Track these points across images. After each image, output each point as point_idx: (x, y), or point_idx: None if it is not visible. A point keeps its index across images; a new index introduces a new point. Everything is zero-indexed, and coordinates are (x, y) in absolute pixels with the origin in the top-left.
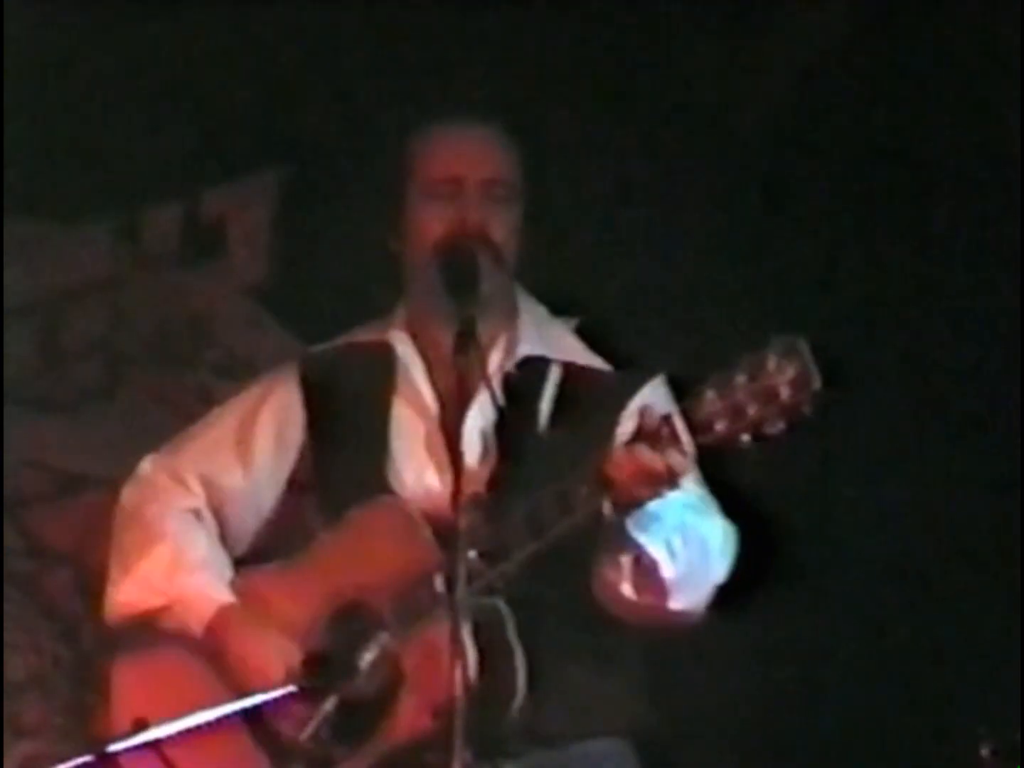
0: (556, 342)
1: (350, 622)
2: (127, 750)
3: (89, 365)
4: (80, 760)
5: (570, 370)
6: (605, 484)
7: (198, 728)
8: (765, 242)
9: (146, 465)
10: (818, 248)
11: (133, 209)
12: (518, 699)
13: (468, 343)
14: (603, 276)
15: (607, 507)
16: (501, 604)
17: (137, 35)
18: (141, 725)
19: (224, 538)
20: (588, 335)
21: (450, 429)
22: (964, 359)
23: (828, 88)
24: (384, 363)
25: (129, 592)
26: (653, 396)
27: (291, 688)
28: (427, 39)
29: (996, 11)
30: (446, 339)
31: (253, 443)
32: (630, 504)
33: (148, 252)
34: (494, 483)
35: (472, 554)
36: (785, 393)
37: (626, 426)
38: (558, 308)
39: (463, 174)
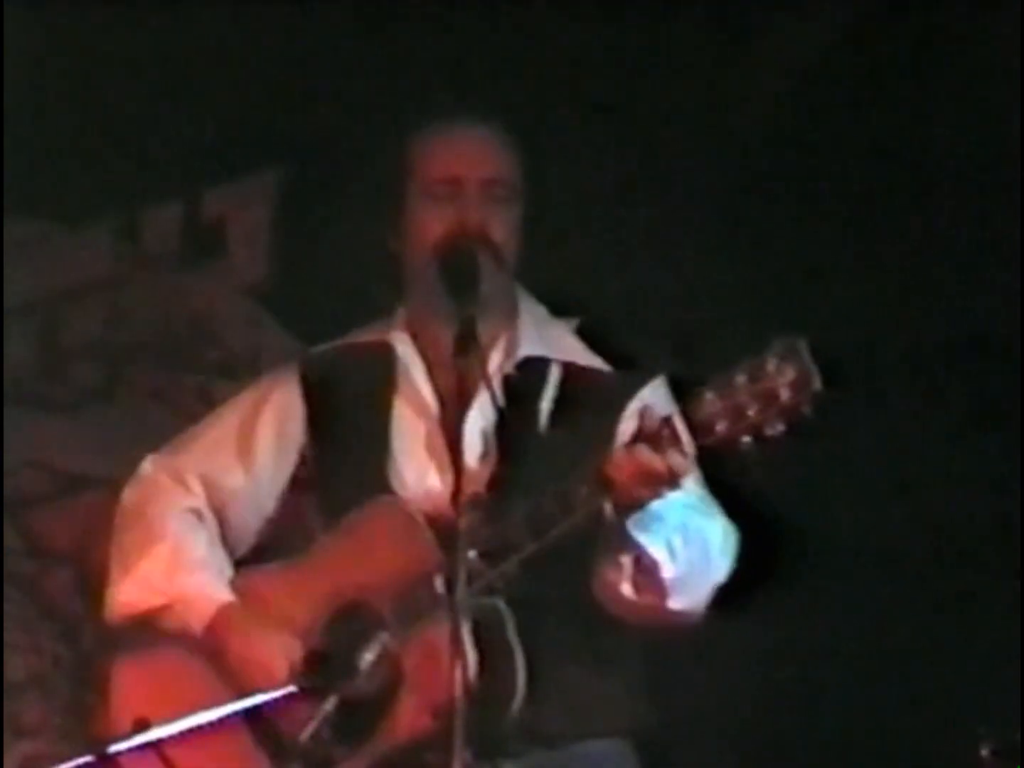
0: (556, 342)
1: (350, 622)
2: (127, 750)
3: (89, 365)
4: (80, 760)
5: (570, 370)
6: (605, 484)
7: (198, 728)
8: (765, 242)
9: (147, 465)
10: (818, 248)
11: (133, 209)
12: (518, 699)
13: (468, 343)
14: (603, 276)
15: (607, 507)
16: (501, 604)
17: (137, 35)
18: (141, 725)
19: (225, 538)
20: (588, 335)
21: (450, 429)
22: (964, 358)
23: (828, 88)
24: (384, 363)
25: (129, 591)
26: (653, 396)
27: (291, 688)
28: (427, 39)
29: (996, 11)
30: (446, 339)
31: (254, 443)
32: (631, 504)
33: (148, 252)
34: (494, 483)
35: (472, 554)
36: (785, 394)
37: (626, 426)
38: (558, 308)
39: (463, 174)
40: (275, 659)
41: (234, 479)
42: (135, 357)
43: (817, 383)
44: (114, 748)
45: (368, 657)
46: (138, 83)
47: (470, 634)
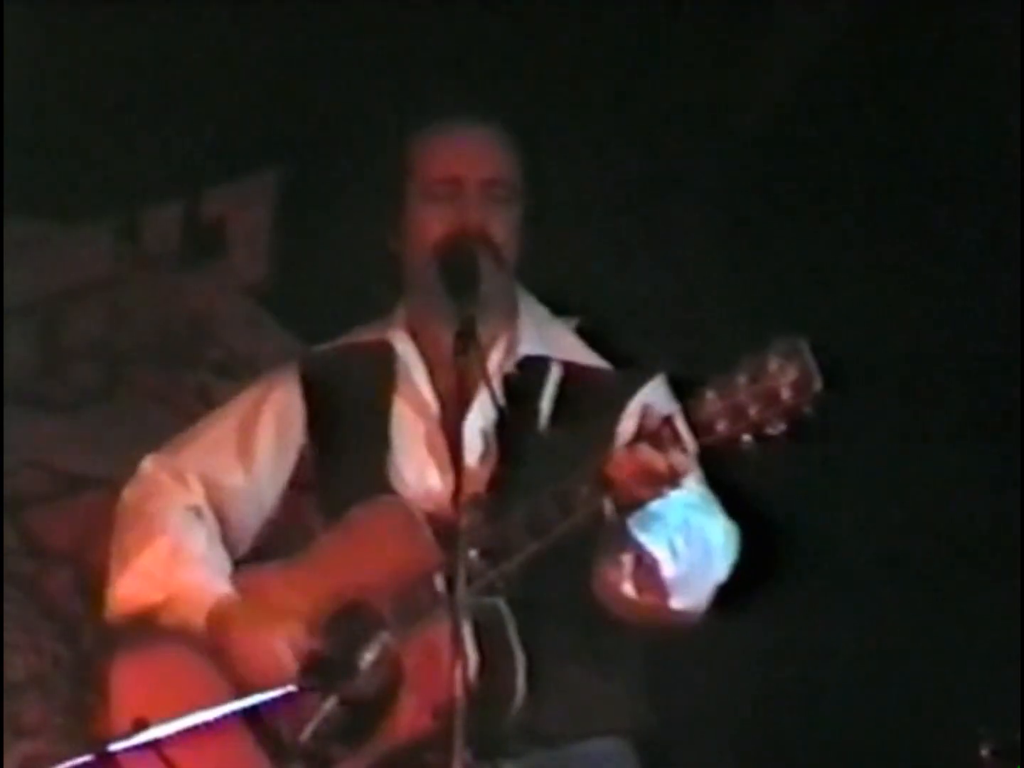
0: (556, 341)
1: (350, 622)
2: (127, 750)
3: (89, 365)
4: (80, 760)
5: (570, 369)
6: (606, 483)
7: (198, 728)
8: (765, 242)
9: (147, 464)
10: (818, 248)
11: (133, 209)
12: (518, 699)
13: (468, 343)
14: (603, 276)
15: (608, 507)
16: (501, 604)
17: (137, 35)
18: (141, 725)
19: (225, 538)
20: (588, 335)
21: (450, 429)
22: (964, 359)
23: (828, 88)
24: (384, 363)
25: (129, 586)
26: (653, 395)
27: (291, 688)
28: (427, 39)
29: (996, 11)
30: (446, 339)
31: (254, 443)
32: (632, 504)
33: (148, 252)
34: (495, 483)
35: (473, 554)
36: (786, 394)
37: (626, 425)
38: (558, 308)
39: (463, 174)
40: (276, 651)
41: (234, 479)
42: (135, 357)
43: (819, 384)
44: (114, 748)
45: (368, 657)
46: (138, 83)
47: (470, 634)
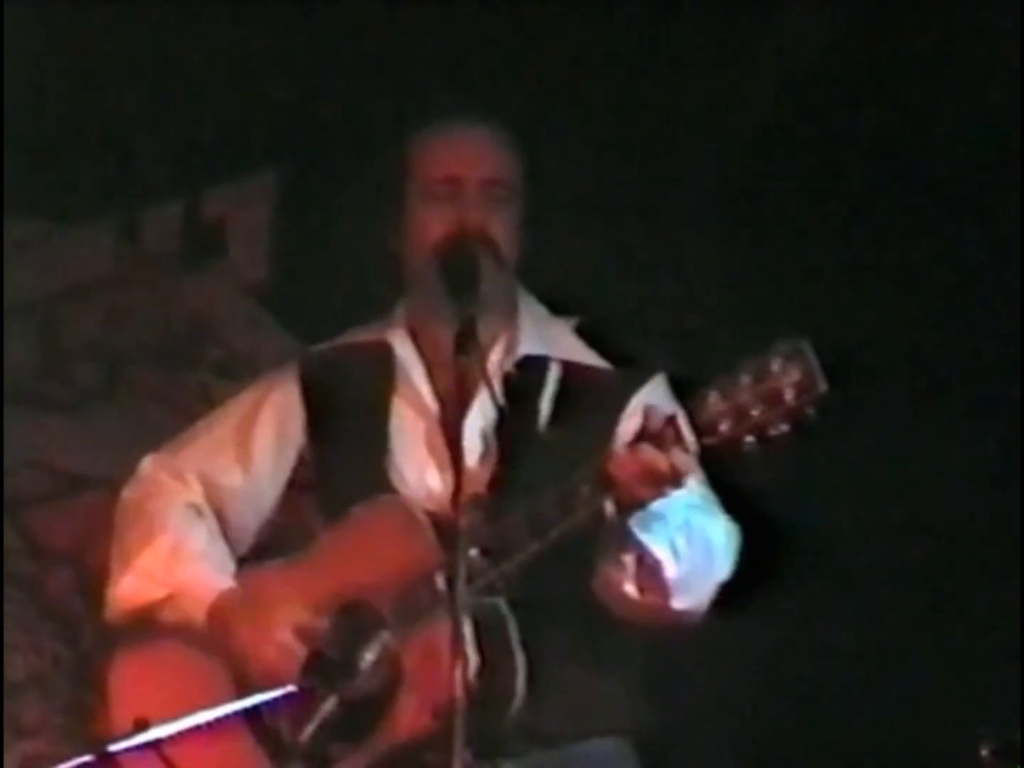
0: (556, 341)
1: (351, 621)
2: (127, 750)
3: (89, 365)
4: (80, 760)
5: (570, 369)
6: (607, 483)
7: (198, 728)
8: (765, 242)
9: (146, 464)
10: (818, 248)
11: (133, 209)
12: (518, 699)
13: (468, 343)
14: (603, 276)
15: (609, 506)
16: (502, 604)
17: (137, 35)
18: (141, 725)
19: (225, 537)
20: (588, 335)
21: (450, 429)
22: (964, 359)
23: (828, 88)
24: (384, 363)
25: (130, 584)
26: (653, 395)
27: (291, 688)
28: (427, 39)
29: (996, 11)
30: (446, 339)
31: (253, 443)
32: (633, 504)
33: (148, 252)
34: (495, 483)
35: (473, 553)
36: (790, 395)
37: (627, 425)
38: (558, 308)
39: (463, 174)
40: (280, 639)
41: (233, 479)
42: (135, 357)
43: (822, 385)
44: (114, 748)
45: (368, 656)
46: (138, 83)
47: (470, 634)
